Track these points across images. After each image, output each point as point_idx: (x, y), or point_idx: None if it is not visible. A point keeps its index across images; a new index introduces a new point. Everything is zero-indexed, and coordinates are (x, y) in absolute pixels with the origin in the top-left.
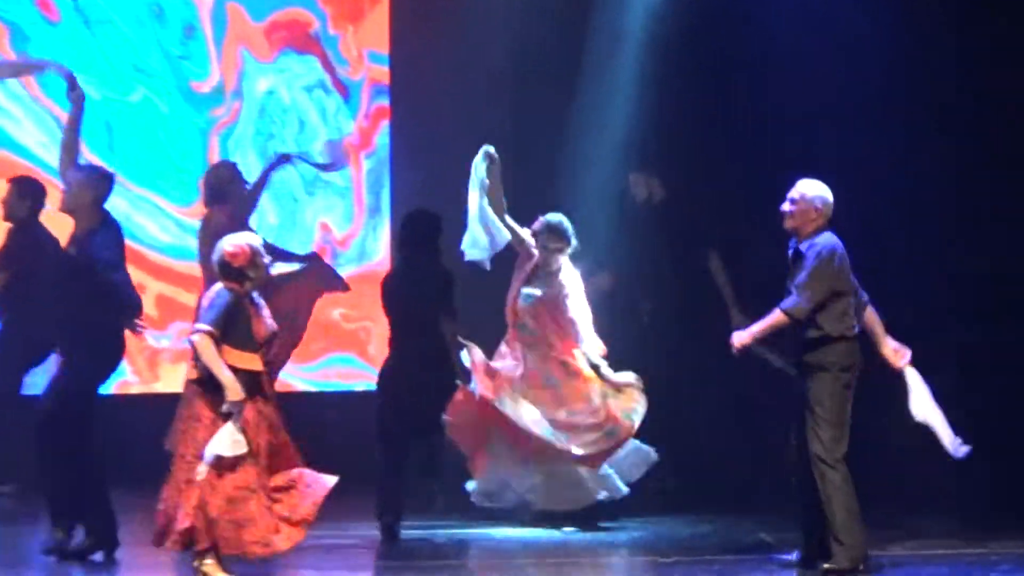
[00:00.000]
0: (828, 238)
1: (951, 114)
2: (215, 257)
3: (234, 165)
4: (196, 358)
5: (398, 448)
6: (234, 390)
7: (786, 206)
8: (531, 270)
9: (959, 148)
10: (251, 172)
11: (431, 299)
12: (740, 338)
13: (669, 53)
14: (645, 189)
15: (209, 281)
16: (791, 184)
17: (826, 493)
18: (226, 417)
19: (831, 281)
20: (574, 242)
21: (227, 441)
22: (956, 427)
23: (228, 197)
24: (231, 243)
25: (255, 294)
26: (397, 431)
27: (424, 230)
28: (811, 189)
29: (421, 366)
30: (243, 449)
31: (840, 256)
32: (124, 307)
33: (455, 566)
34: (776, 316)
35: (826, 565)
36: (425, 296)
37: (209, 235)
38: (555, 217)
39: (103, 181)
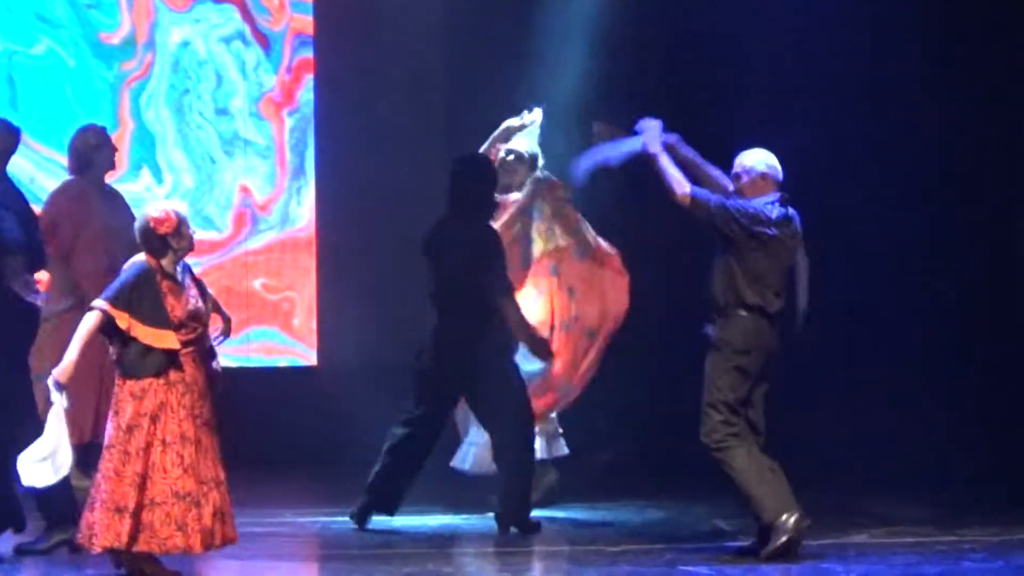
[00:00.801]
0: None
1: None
2: (137, 224)
3: (103, 130)
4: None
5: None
6: (62, 370)
7: (735, 183)
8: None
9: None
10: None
11: (478, 260)
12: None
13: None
14: (608, 135)
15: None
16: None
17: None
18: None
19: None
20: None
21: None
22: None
23: (93, 165)
24: (157, 209)
25: (181, 269)
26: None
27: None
28: (750, 159)
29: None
30: (43, 454)
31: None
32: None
33: (385, 555)
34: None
35: (763, 551)
36: (473, 257)
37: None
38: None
39: (8, 137)
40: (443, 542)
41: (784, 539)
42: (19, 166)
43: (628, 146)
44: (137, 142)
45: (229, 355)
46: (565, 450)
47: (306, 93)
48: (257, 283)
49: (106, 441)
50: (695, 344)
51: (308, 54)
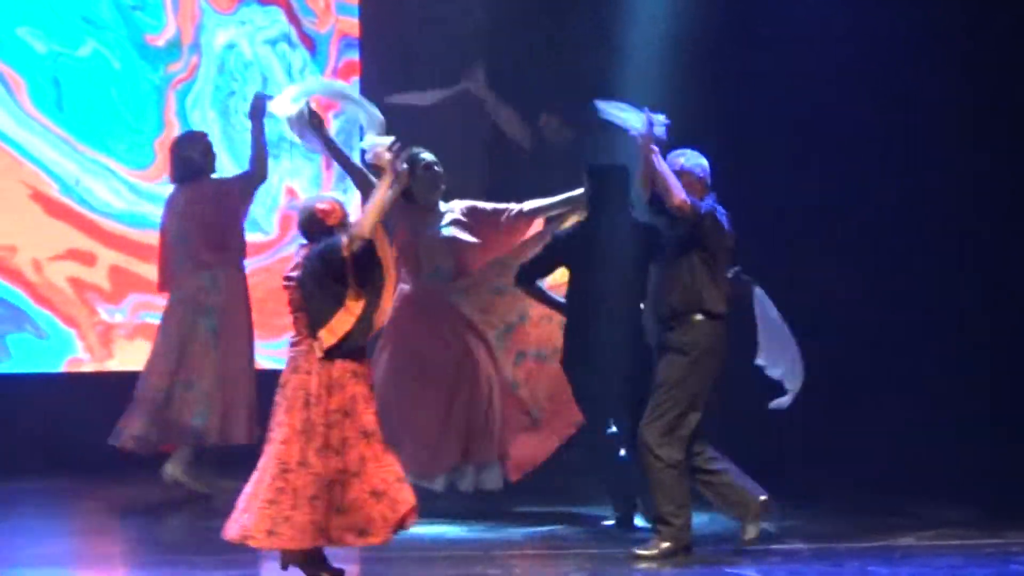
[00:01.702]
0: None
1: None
2: (302, 214)
3: (205, 136)
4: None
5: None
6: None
7: None
8: None
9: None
10: (211, 132)
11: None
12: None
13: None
14: (556, 126)
15: (177, 259)
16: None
17: None
18: None
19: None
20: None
21: None
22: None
23: (204, 171)
24: (323, 200)
25: None
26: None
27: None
28: (690, 159)
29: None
30: None
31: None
32: None
33: (428, 558)
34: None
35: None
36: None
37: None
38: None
39: None
40: (488, 546)
41: (658, 552)
42: (64, 167)
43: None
44: None
45: (271, 356)
46: (497, 484)
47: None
48: None
49: (281, 436)
50: (737, 347)
51: (354, 56)
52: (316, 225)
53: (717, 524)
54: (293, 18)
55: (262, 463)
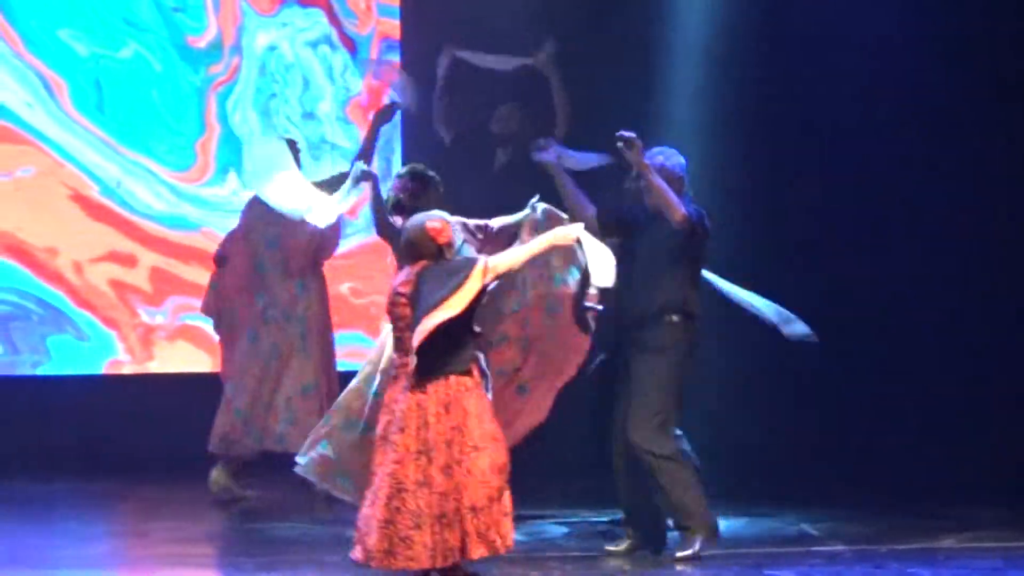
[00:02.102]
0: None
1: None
2: (412, 232)
3: (294, 143)
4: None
5: None
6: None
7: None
8: None
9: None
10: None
11: None
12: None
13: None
14: (514, 123)
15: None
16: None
17: None
18: None
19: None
20: None
21: None
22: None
23: None
24: (434, 219)
25: None
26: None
27: None
28: (672, 158)
29: None
30: None
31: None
32: None
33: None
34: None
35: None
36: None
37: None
38: None
39: None
40: (528, 548)
41: (697, 547)
42: (105, 169)
43: (595, 160)
44: (224, 146)
45: None
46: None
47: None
48: (344, 287)
49: (395, 457)
50: (776, 349)
51: (395, 57)
52: (427, 244)
53: (756, 527)
54: (334, 20)
55: (376, 483)
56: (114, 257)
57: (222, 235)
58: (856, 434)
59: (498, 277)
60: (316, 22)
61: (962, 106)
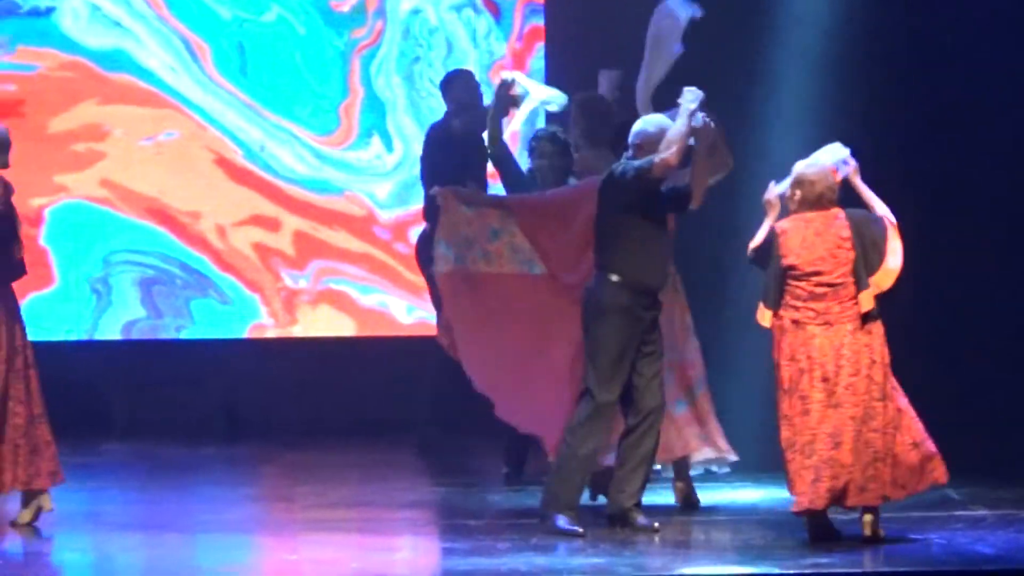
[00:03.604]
0: None
1: None
2: (824, 184)
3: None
4: None
5: None
6: None
7: (636, 153)
8: None
9: None
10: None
11: None
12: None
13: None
14: (613, 89)
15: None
16: None
17: None
18: None
19: None
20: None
21: None
22: None
23: None
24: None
25: None
26: None
27: None
28: (650, 124)
29: None
30: None
31: None
32: None
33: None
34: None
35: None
36: None
37: None
38: None
39: None
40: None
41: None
42: (249, 133)
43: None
44: (367, 109)
45: None
46: None
47: (537, 61)
48: None
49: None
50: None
51: (539, 22)
52: (833, 191)
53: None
54: None
55: (832, 429)
56: (257, 221)
57: (365, 199)
58: (1001, 400)
59: None
60: None
61: None
